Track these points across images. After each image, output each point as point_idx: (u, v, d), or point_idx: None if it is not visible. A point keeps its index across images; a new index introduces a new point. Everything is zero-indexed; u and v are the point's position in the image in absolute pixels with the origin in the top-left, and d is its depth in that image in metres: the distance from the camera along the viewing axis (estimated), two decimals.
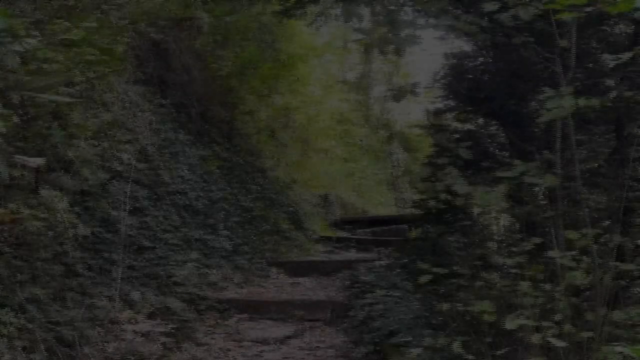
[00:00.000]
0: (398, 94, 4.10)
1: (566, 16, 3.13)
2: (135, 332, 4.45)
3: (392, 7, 4.05)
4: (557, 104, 3.08)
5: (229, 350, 4.73)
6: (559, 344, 2.85)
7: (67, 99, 4.29)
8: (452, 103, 5.61)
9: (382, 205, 14.86)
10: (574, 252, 3.16)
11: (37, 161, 4.22)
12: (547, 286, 3.17)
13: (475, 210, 4.73)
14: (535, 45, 3.71)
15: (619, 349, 2.56)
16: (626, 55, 3.16)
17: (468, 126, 5.57)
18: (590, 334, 2.99)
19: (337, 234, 9.84)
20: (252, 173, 9.01)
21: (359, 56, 18.79)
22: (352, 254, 8.50)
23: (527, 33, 3.63)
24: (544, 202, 4.16)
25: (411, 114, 18.71)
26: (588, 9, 3.10)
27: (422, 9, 4.15)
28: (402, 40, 3.61)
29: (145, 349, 4.24)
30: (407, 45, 3.67)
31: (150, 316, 4.79)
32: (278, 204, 8.77)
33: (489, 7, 3.40)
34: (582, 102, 3.09)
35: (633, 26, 4.46)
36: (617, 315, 3.08)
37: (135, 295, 4.92)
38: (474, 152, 4.36)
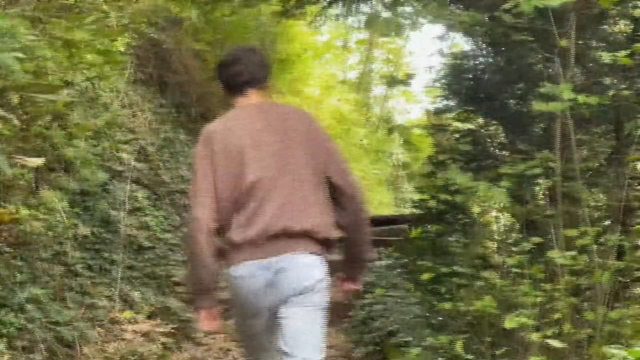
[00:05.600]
0: (392, 81, 4.22)
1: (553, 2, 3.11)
2: (135, 332, 4.45)
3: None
4: (556, 92, 3.09)
5: (229, 350, 4.73)
6: (558, 345, 2.85)
7: (67, 98, 4.29)
8: (452, 103, 5.61)
9: (382, 205, 14.84)
10: (573, 252, 3.16)
11: (37, 161, 4.21)
12: (547, 285, 3.17)
13: (475, 210, 4.73)
14: (534, 45, 3.71)
15: (618, 350, 2.56)
16: (622, 54, 3.16)
17: (468, 126, 5.57)
18: (590, 332, 3.00)
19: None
20: None
21: (359, 56, 18.80)
22: None
23: (526, 32, 3.63)
24: (544, 202, 4.16)
25: (411, 113, 18.73)
26: None
27: (422, 4, 4.16)
28: (401, 25, 3.63)
29: (145, 349, 4.24)
30: (406, 28, 3.68)
31: (150, 316, 4.79)
32: None
33: None
34: (581, 98, 3.09)
35: (632, 25, 4.46)
36: (617, 314, 3.08)
37: (135, 295, 4.92)
38: (475, 151, 4.37)
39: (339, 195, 2.47)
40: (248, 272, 2.34)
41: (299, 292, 2.36)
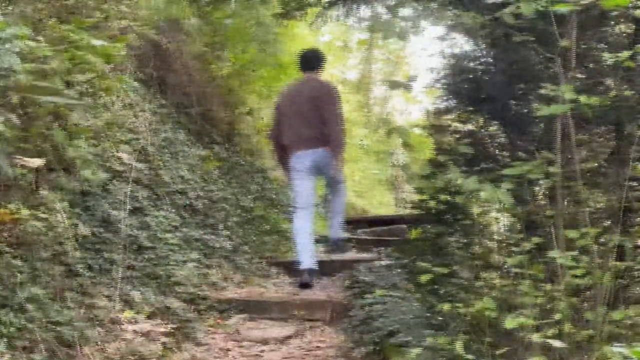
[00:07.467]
0: (393, 84, 5.39)
1: (563, 7, 3.11)
2: (135, 332, 4.44)
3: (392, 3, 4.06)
4: (557, 92, 3.08)
5: (229, 350, 4.73)
6: (558, 344, 2.85)
7: (71, 101, 4.28)
8: (452, 103, 5.61)
9: (382, 205, 14.85)
10: (574, 252, 3.16)
11: (37, 161, 4.22)
12: (548, 286, 3.17)
13: (475, 210, 4.73)
14: (535, 45, 3.72)
15: (618, 349, 2.56)
16: (625, 55, 3.15)
17: (469, 126, 5.58)
18: (590, 332, 3.00)
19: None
20: (252, 173, 9.01)
21: (359, 56, 18.81)
22: (352, 254, 8.48)
23: (527, 33, 3.63)
24: (544, 202, 4.16)
25: (412, 114, 18.74)
26: (586, 1, 3.09)
27: (423, 5, 4.16)
28: (403, 29, 3.62)
29: (146, 349, 4.24)
30: (409, 32, 3.68)
31: (151, 316, 4.79)
32: (278, 203, 8.77)
33: None
34: (582, 99, 3.09)
35: (634, 26, 4.46)
36: (617, 314, 3.08)
37: (136, 295, 4.92)
38: (475, 152, 4.36)
39: (327, 129, 5.94)
40: (295, 156, 6.08)
41: (314, 167, 6.10)
